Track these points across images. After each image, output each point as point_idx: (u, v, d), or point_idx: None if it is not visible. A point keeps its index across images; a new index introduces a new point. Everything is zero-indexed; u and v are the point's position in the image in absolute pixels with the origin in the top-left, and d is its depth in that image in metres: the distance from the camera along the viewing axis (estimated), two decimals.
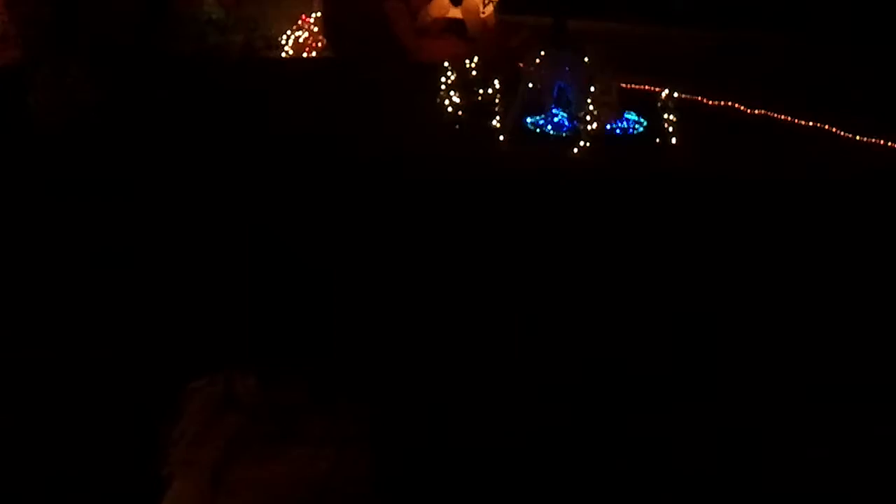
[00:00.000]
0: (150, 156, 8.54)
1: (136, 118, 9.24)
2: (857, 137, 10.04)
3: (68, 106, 8.60)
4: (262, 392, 2.02)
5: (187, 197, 7.71)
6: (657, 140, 9.73)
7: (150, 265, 6.45)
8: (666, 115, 9.77)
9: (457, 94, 10.50)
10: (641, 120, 10.11)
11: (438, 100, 10.56)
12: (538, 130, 10.04)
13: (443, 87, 10.59)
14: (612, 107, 9.90)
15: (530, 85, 10.26)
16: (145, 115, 9.35)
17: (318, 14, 13.03)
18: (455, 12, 12.88)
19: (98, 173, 7.94)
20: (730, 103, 11.05)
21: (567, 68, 10.16)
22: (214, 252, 6.45)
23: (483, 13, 12.82)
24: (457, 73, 10.67)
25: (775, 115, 10.75)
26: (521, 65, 10.97)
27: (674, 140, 9.67)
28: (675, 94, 9.90)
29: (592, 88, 9.71)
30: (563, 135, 9.87)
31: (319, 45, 12.72)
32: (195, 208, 7.48)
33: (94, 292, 5.98)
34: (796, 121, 10.58)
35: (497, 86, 10.24)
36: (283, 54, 12.66)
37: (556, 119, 10.09)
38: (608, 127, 9.91)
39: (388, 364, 5.02)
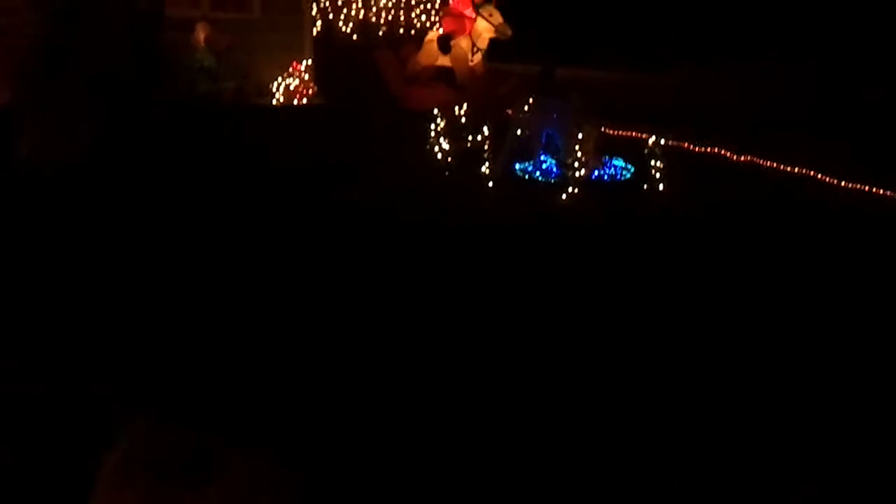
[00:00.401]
0: (138, 196, 8.57)
1: (129, 158, 9.28)
2: (843, 183, 10.18)
3: (63, 144, 8.63)
4: (170, 443, 1.97)
5: (171, 237, 7.73)
6: (645, 186, 9.82)
7: (131, 302, 6.44)
8: (653, 162, 9.87)
9: (446, 141, 10.61)
10: (629, 166, 10.21)
11: (428, 146, 10.66)
12: (527, 177, 10.12)
13: (432, 133, 10.69)
14: (595, 153, 10.00)
15: (519, 132, 10.37)
16: (137, 156, 9.39)
17: (309, 62, 13.19)
18: (444, 60, 13.06)
19: (86, 212, 7.95)
20: (716, 149, 11.19)
21: (555, 115, 10.29)
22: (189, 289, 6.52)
23: (472, 61, 12.99)
24: (446, 120, 10.78)
25: (761, 160, 10.88)
26: (509, 112, 11.09)
27: (661, 186, 9.77)
28: (662, 141, 10.01)
29: (580, 135, 9.81)
30: (552, 181, 9.96)
31: (310, 92, 12.85)
32: (179, 248, 7.49)
33: (72, 329, 5.95)
34: (782, 167, 10.72)
35: (486, 132, 10.33)
36: (274, 101, 12.77)
37: (544, 165, 10.19)
38: (596, 173, 10.01)
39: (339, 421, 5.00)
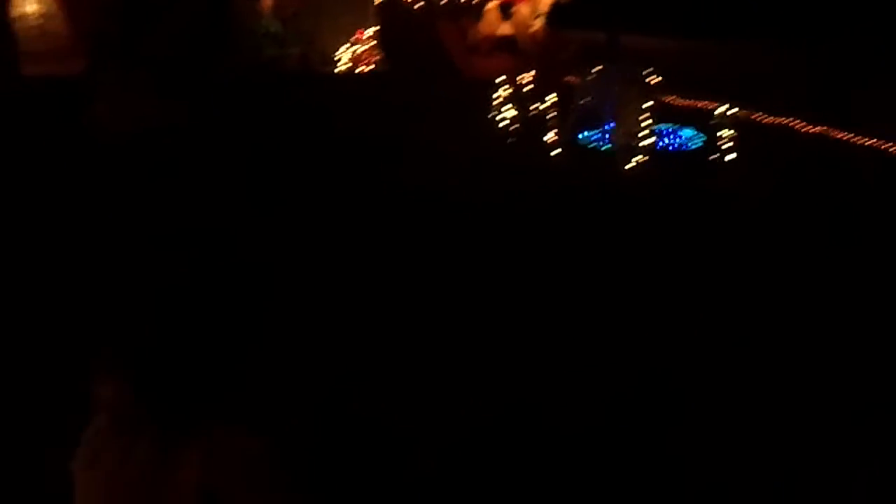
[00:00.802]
0: (205, 163, 8.67)
1: (196, 130, 9.38)
2: None
3: (131, 117, 8.75)
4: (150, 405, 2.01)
5: (238, 205, 7.81)
6: (713, 156, 9.64)
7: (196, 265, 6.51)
8: (722, 132, 9.67)
9: (510, 109, 10.52)
10: (699, 135, 10.02)
11: (492, 115, 10.59)
12: (592, 145, 10.01)
13: (496, 102, 10.62)
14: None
15: (584, 100, 10.24)
16: (205, 128, 9.49)
17: (374, 29, 13.15)
18: (505, 28, 12.93)
19: (157, 182, 8.07)
20: (787, 120, 10.93)
21: (621, 83, 10.13)
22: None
23: (533, 27, 12.83)
24: (509, 88, 10.70)
25: (833, 132, 10.60)
26: (571, 79, 10.96)
27: (730, 157, 9.58)
28: (732, 111, 9.80)
29: (643, 103, 9.65)
30: (617, 150, 9.82)
31: (375, 59, 12.83)
32: (245, 215, 7.57)
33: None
34: (854, 139, 10.43)
35: (551, 101, 10.22)
36: (339, 68, 12.78)
37: (609, 134, 10.05)
38: (664, 142, 9.86)
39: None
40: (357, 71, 12.78)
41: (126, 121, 8.93)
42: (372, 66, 12.86)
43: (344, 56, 12.88)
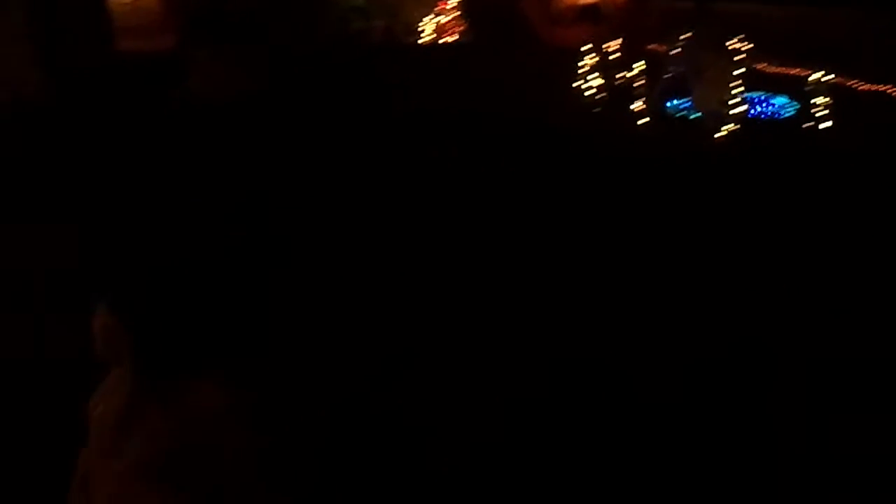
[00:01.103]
0: (293, 133, 8.78)
1: (285, 102, 9.50)
2: None
3: (221, 90, 8.90)
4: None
5: (323, 175, 7.89)
6: (807, 124, 9.39)
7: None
8: (816, 99, 9.41)
9: (596, 78, 10.41)
10: (792, 104, 9.77)
11: (577, 83, 10.49)
12: (681, 114, 9.84)
13: (582, 70, 10.51)
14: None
15: (672, 67, 10.07)
16: (293, 100, 9.60)
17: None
18: None
19: (250, 153, 8.19)
20: (885, 87, 10.58)
21: (710, 50, 9.92)
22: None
23: None
24: (596, 57, 10.57)
25: None
26: (657, 47, 10.78)
27: (825, 125, 9.32)
28: (827, 77, 9.53)
29: (732, 70, 9.44)
30: (706, 119, 9.64)
31: (459, 29, 12.80)
32: (330, 185, 7.64)
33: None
34: None
35: (638, 69, 10.07)
36: (423, 39, 12.79)
37: (698, 102, 9.86)
38: (755, 111, 9.64)
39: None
40: (441, 41, 12.77)
41: (216, 94, 9.09)
42: (456, 37, 12.83)
43: (428, 27, 12.88)
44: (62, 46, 9.69)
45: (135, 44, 10.62)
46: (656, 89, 9.96)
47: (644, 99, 9.85)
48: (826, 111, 9.32)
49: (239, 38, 9.77)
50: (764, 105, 9.78)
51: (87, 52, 9.98)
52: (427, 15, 12.95)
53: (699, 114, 9.73)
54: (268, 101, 9.38)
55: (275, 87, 9.63)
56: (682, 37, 10.11)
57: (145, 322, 1.88)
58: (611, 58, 10.65)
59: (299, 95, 9.73)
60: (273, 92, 9.57)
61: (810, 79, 9.55)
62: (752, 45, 9.69)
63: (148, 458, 1.85)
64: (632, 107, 9.84)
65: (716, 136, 9.23)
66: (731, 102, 9.38)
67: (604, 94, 10.28)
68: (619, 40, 11.09)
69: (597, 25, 12.54)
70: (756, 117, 9.66)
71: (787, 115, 9.69)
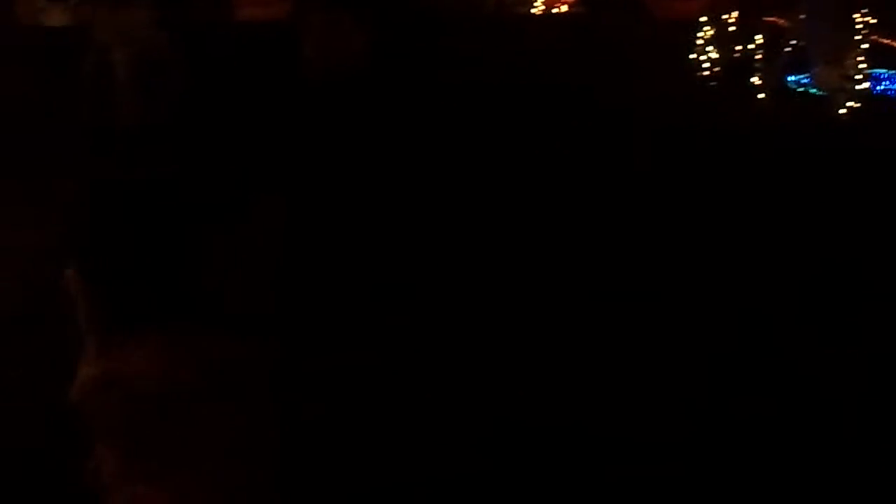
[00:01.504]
0: (409, 107, 8.83)
1: (400, 69, 9.55)
2: None
3: (337, 59, 8.98)
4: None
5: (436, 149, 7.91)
6: None
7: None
8: None
9: (713, 51, 10.14)
10: None
11: (693, 56, 10.24)
12: (802, 89, 9.52)
13: (698, 42, 10.26)
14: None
15: (794, 40, 9.73)
16: (407, 68, 9.65)
17: None
18: None
19: (367, 123, 8.27)
20: None
21: (834, 23, 9.55)
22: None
23: None
24: (713, 28, 10.29)
25: None
26: (777, 19, 10.43)
27: None
28: None
29: (861, 46, 9.08)
30: (829, 94, 9.31)
31: (570, 0, 12.61)
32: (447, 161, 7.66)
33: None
34: None
35: (757, 41, 9.77)
36: (535, 9, 12.63)
37: (820, 77, 9.53)
38: (881, 88, 9.27)
39: None
40: (553, 12, 12.60)
41: (332, 62, 9.17)
42: (566, 8, 12.64)
43: None
44: (182, 10, 9.94)
45: (251, 13, 10.80)
46: (776, 63, 9.65)
47: (763, 73, 9.56)
48: None
49: (353, 5, 9.80)
50: (891, 82, 9.39)
51: (206, 17, 10.23)
52: None
53: (820, 90, 9.41)
54: (380, 71, 9.43)
55: (387, 57, 9.66)
56: (805, 7, 9.77)
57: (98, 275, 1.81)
58: (728, 30, 10.36)
59: (411, 66, 9.76)
60: (385, 62, 9.60)
61: None
62: (875, 20, 9.31)
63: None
64: (750, 81, 9.57)
65: (839, 112, 8.92)
66: (856, 77, 9.04)
67: (720, 69, 10.00)
68: (737, 12, 10.78)
69: None
70: (882, 94, 9.29)
71: None
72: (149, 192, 1.83)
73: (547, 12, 12.57)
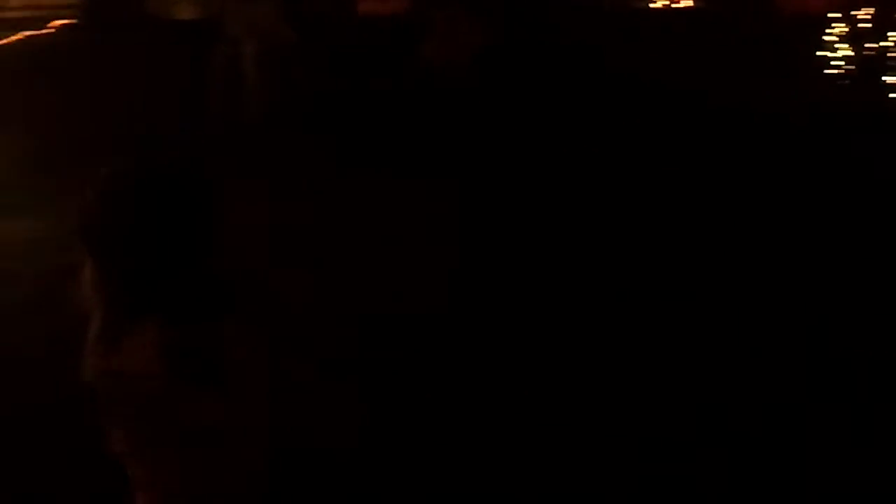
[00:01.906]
0: (528, 96, 8.81)
1: (518, 64, 9.53)
2: None
3: (457, 52, 9.00)
4: None
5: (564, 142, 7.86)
6: None
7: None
8: None
9: (845, 48, 9.81)
10: None
11: (822, 53, 9.92)
12: None
13: (827, 39, 9.93)
14: None
15: None
16: (526, 61, 9.62)
17: None
18: None
19: (483, 117, 8.27)
20: None
21: None
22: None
23: None
24: (844, 26, 9.96)
25: None
26: None
27: None
28: None
29: None
30: None
31: None
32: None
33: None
34: None
35: (892, 38, 9.41)
36: (653, 4, 12.44)
37: None
38: None
39: None
40: (674, 7, 12.38)
41: (451, 57, 9.19)
42: (689, 3, 12.40)
43: None
44: (308, 5, 10.12)
45: (372, 6, 10.92)
46: None
47: None
48: None
49: (472, 2, 9.81)
50: None
51: (330, 11, 10.39)
52: None
53: None
54: (503, 65, 9.41)
55: (510, 52, 9.63)
56: None
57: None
58: (860, 26, 10.01)
59: (533, 62, 9.71)
60: (508, 57, 9.58)
61: None
62: None
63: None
64: (883, 81, 9.22)
65: None
66: None
67: (852, 67, 9.67)
68: (871, 8, 10.41)
69: None
70: None
71: None
72: (169, 184, 1.85)
73: (668, 7, 12.37)
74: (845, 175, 7.14)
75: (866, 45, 9.79)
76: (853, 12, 10.23)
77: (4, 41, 11.39)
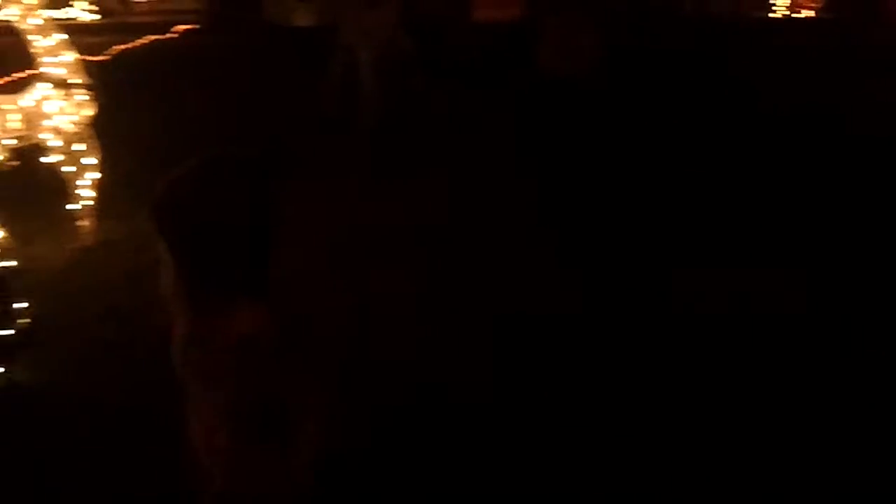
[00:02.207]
0: (642, 109, 8.69)
1: (634, 71, 9.42)
2: None
3: (574, 57, 8.94)
4: None
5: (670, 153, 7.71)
6: None
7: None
8: None
9: None
10: None
11: None
12: None
13: None
14: None
15: None
16: (641, 68, 9.50)
17: None
18: None
19: (600, 123, 8.19)
20: None
21: None
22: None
23: None
24: None
25: None
26: None
27: None
28: None
29: None
30: None
31: (816, 4, 12.03)
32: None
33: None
34: None
35: None
36: (774, 13, 12.16)
37: None
38: None
39: None
40: (794, 17, 12.07)
41: (567, 63, 9.13)
42: (812, 13, 12.07)
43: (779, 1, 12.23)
44: (423, 11, 10.22)
45: (487, 13, 10.96)
46: None
47: None
48: None
49: (590, 5, 9.73)
50: None
51: (446, 18, 10.47)
52: None
53: None
54: (614, 71, 9.31)
55: (620, 58, 9.52)
56: None
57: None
58: None
59: (648, 69, 9.58)
60: (619, 63, 9.47)
61: None
62: None
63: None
64: None
65: None
66: None
67: None
68: None
69: None
70: None
71: None
72: (246, 170, 1.90)
73: (788, 17, 12.06)
74: None
75: None
76: None
77: (130, 45, 11.80)
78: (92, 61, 5.87)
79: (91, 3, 15.44)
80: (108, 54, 10.61)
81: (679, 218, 6.39)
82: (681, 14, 11.82)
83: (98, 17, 15.17)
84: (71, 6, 14.76)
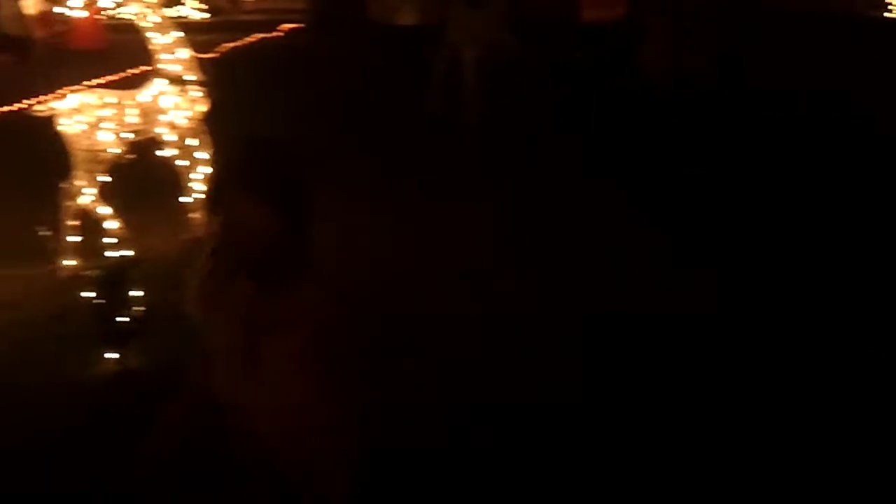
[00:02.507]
0: (750, 112, 8.48)
1: (741, 73, 9.22)
2: None
3: (670, 58, 8.82)
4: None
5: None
6: None
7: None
8: None
9: None
10: None
11: None
12: None
13: None
14: None
15: None
16: (748, 71, 9.29)
17: None
18: None
19: (706, 125, 8.03)
20: None
21: None
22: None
23: None
24: None
25: None
26: None
27: None
28: None
29: None
30: None
31: None
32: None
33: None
34: None
35: None
36: (891, 12, 11.72)
37: None
38: None
39: None
40: None
41: (673, 64, 9.02)
42: None
43: None
44: (529, 12, 10.19)
45: (595, 13, 10.84)
46: None
47: None
48: None
49: (702, 7, 9.55)
50: None
51: (552, 18, 10.42)
52: None
53: None
54: (722, 73, 9.12)
55: (728, 60, 9.31)
56: None
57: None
58: None
59: (753, 69, 9.35)
60: (726, 64, 9.27)
61: None
62: None
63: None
64: None
65: None
66: None
67: None
68: None
69: None
70: None
71: None
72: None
73: None
74: None
75: None
76: None
77: (239, 42, 12.08)
78: (201, 58, 5.98)
79: (201, 2, 15.91)
80: (217, 51, 10.88)
81: (787, 219, 6.23)
82: (791, 13, 11.50)
83: (207, 15, 15.62)
84: (182, 5, 15.23)
